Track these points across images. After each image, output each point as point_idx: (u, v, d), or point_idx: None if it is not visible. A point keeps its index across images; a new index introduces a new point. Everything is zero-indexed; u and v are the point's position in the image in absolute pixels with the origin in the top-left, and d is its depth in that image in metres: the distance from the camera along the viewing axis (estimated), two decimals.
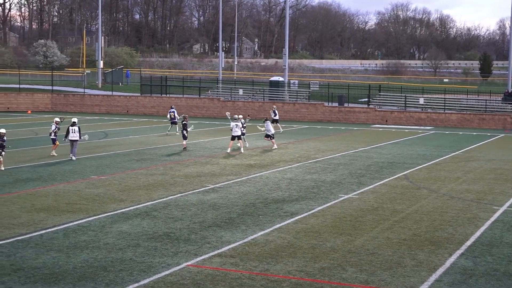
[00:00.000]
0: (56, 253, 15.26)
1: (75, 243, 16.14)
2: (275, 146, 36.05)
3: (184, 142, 34.92)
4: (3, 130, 27.84)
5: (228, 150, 34.00)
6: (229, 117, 37.70)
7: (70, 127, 30.55)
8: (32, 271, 13.95)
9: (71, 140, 30.53)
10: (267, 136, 36.32)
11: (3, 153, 27.30)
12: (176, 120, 44.17)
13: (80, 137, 30.68)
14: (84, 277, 13.58)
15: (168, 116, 44.76)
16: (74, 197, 21.81)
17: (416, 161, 32.15)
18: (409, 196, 23.03)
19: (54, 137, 31.52)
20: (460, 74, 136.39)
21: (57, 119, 32.33)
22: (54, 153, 31.63)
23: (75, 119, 31.05)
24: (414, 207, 21.06)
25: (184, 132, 34.71)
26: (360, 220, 19.17)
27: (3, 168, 27.27)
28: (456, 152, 36.07)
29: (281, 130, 46.10)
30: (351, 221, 19.02)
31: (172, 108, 45.33)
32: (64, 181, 24.83)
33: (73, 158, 30.37)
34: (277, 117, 46.63)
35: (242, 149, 34.40)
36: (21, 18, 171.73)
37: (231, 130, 34.44)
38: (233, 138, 34.30)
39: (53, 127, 31.61)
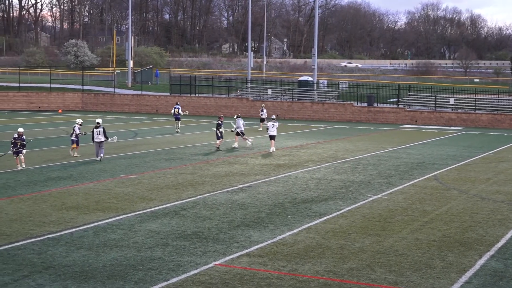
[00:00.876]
0: (86, 251, 15.39)
1: (105, 241, 16.27)
2: (236, 145, 35.92)
3: (218, 141, 35.14)
4: (21, 130, 27.76)
5: (271, 150, 34.36)
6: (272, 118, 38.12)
7: (95, 129, 29.95)
8: (63, 268, 14.09)
9: (97, 142, 30.05)
10: (238, 133, 36.08)
11: (23, 151, 27.22)
12: (179, 116, 45.03)
13: (106, 138, 30.13)
14: (114, 275, 13.69)
15: (172, 111, 45.72)
16: (104, 195, 21.99)
17: (446, 161, 31.90)
18: (439, 197, 22.86)
19: (76, 138, 31.04)
20: (491, 74, 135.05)
21: (81, 120, 32.18)
22: (76, 153, 31.29)
23: (99, 120, 30.64)
24: (444, 208, 20.91)
25: (218, 132, 34.93)
26: (389, 220, 19.08)
27: (22, 167, 27.22)
28: (487, 153, 35.73)
29: (261, 128, 45.83)
30: (380, 221, 18.93)
31: (177, 105, 46.17)
32: (94, 180, 25.04)
33: (98, 159, 29.90)
34: (263, 116, 47.30)
35: (236, 143, 35.82)
36: (53, 18, 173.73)
37: (267, 130, 34.84)
38: (271, 138, 34.58)
39: (77, 129, 31.03)
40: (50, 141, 37.85)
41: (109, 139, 30.63)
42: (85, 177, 25.65)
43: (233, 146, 35.77)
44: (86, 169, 27.49)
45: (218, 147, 35.10)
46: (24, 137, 27.62)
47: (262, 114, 47.64)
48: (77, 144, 31.37)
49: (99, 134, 29.84)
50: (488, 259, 15.35)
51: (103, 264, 14.45)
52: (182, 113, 45.50)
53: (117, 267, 14.27)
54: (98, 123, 30.26)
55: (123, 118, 55.77)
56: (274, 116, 36.76)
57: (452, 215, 19.95)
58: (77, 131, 31.06)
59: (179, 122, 45.34)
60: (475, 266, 14.76)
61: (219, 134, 35.02)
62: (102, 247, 15.76)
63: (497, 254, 15.79)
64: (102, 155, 30.19)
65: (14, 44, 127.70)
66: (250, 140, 36.13)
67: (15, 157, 27.33)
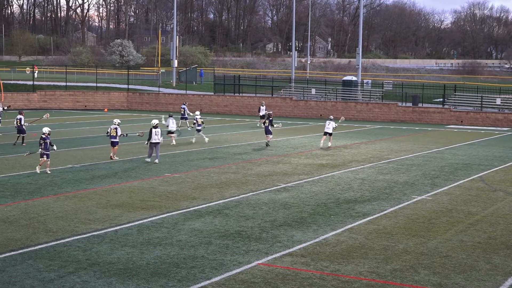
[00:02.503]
0: (130, 248, 15.55)
1: (149, 239, 16.42)
2: (174, 142, 36.27)
3: (270, 136, 36.57)
4: (45, 130, 26.23)
5: (321, 145, 36.12)
6: (341, 120, 39.89)
7: (153, 129, 28.92)
8: (107, 266, 14.26)
9: (152, 143, 29.16)
10: (169, 132, 36.27)
11: (47, 153, 25.73)
12: (186, 116, 46.03)
13: (161, 140, 29.44)
14: (157, 273, 13.81)
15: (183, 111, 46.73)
16: (148, 194, 22.19)
17: (492, 162, 31.45)
18: (485, 198, 22.56)
19: (117, 140, 29.85)
20: None
21: (119, 120, 30.72)
22: (115, 157, 30.10)
23: (156, 121, 29.74)
24: (489, 210, 20.62)
25: (269, 127, 36.49)
26: (434, 222, 18.88)
27: (47, 172, 26.03)
28: None
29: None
30: (424, 222, 18.75)
31: (184, 104, 47.02)
32: (138, 178, 25.29)
33: (149, 160, 29.52)
34: (262, 113, 48.02)
35: (206, 139, 37.24)
36: (99, 18, 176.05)
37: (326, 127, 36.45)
38: (325, 133, 36.27)
39: (119, 131, 29.75)
40: (96, 139, 38.32)
41: (174, 132, 29.57)
42: (129, 175, 25.91)
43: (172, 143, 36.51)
44: (131, 168, 27.76)
45: (268, 143, 36.44)
46: (49, 137, 26.03)
47: (259, 112, 49.29)
48: (114, 146, 29.94)
49: (157, 134, 29.05)
50: None
51: (147, 262, 14.58)
52: (189, 113, 46.72)
53: (160, 265, 14.39)
54: (156, 124, 29.32)
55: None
56: (332, 117, 38.09)
57: (498, 217, 19.66)
58: (119, 132, 29.76)
59: (186, 121, 46.31)
60: None
61: (270, 130, 36.70)
62: (146, 245, 15.91)
63: None
64: (157, 160, 29.25)
65: (61, 44, 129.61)
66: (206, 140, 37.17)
67: (40, 159, 26.05)
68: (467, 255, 15.51)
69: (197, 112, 38.66)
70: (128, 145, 35.59)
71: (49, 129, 26.70)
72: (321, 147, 35.79)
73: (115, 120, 30.48)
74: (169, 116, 37.15)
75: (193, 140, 37.50)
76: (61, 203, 20.45)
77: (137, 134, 32.63)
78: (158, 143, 29.45)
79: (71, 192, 22.25)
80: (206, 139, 37.16)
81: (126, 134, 31.39)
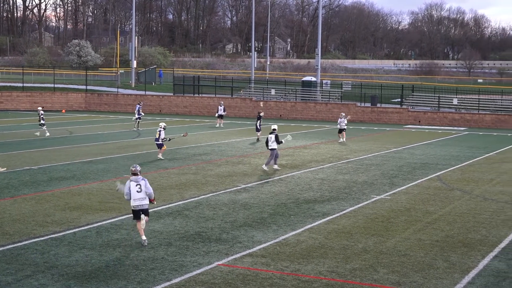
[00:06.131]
0: (89, 251, 15.41)
1: (108, 241, 16.28)
2: (48, 133, 39.35)
3: (258, 133, 39.75)
4: None
5: (339, 140, 39.94)
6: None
7: (269, 135, 28.06)
8: (66, 268, 14.11)
9: (270, 149, 28.18)
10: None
11: None
12: (140, 116, 46.59)
13: (280, 143, 28.26)
14: (116, 275, 13.70)
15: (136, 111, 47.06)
16: (107, 195, 22.01)
17: (449, 162, 31.88)
18: (442, 197, 22.84)
19: (161, 142, 30.83)
20: (495, 74, 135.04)
21: (164, 124, 31.48)
22: (161, 156, 31.00)
23: (274, 126, 28.50)
24: (447, 209, 20.89)
25: (258, 125, 39.63)
26: (392, 221, 19.06)
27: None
28: (490, 153, 35.68)
29: (217, 125, 48.94)
30: (383, 222, 18.92)
31: (138, 105, 47.54)
32: (97, 179, 25.07)
33: (265, 168, 28.09)
34: (222, 113, 50.00)
35: (47, 134, 39.82)
36: (56, 19, 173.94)
37: (339, 124, 40.30)
38: (340, 131, 40.28)
39: (163, 134, 30.74)
40: (54, 141, 37.88)
41: (283, 140, 28.84)
42: (88, 177, 25.67)
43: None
44: (89, 169, 27.50)
45: (258, 139, 39.42)
46: None
47: (217, 112, 50.60)
48: (159, 147, 31.03)
49: (270, 140, 28.05)
50: (491, 259, 15.33)
51: (106, 264, 14.46)
52: (142, 114, 47.84)
53: (119, 267, 14.28)
54: (274, 129, 28.23)
55: (126, 118, 55.74)
56: (344, 114, 41.62)
57: (455, 215, 19.93)
58: (162, 135, 30.80)
59: (139, 121, 46.58)
60: (478, 267, 14.74)
61: (259, 127, 39.73)
62: (105, 247, 15.77)
63: (500, 254, 15.77)
64: (276, 166, 28.22)
65: (18, 44, 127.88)
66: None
67: None
68: (425, 254, 15.68)
69: (40, 108, 42.15)
70: (86, 147, 35.29)
71: None
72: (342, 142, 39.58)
73: (160, 124, 31.50)
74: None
75: (38, 134, 40.34)
76: (18, 206, 20.17)
77: (182, 135, 34.04)
78: (275, 149, 28.12)
79: (29, 194, 21.96)
80: (47, 134, 39.79)
81: (169, 139, 31.83)
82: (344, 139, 40.22)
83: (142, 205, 16.10)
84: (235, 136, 42.78)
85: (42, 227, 17.61)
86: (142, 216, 15.98)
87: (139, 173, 16.15)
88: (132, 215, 16.45)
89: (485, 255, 15.67)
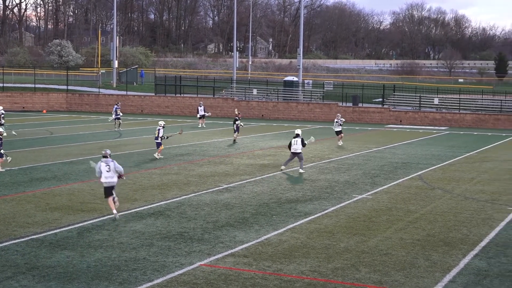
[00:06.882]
0: (70, 252, 15.33)
1: (89, 242, 16.21)
2: (156, 155, 32.52)
3: (235, 134, 38.84)
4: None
5: (339, 143, 38.33)
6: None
7: (293, 139, 27.80)
8: (47, 269, 14.03)
9: (293, 153, 27.90)
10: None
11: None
12: (119, 116, 46.37)
13: (303, 146, 28.04)
14: (98, 276, 13.64)
15: (114, 111, 46.93)
16: (88, 196, 21.90)
17: (431, 161, 32.04)
18: (423, 196, 22.96)
19: (159, 141, 31.06)
20: (475, 74, 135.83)
21: (163, 122, 31.79)
22: (160, 155, 31.22)
23: (299, 131, 28.19)
24: (428, 208, 21.00)
25: (235, 126, 38.81)
26: (374, 220, 19.13)
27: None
28: (471, 153, 35.91)
29: (200, 125, 48.12)
30: (365, 221, 18.98)
31: (116, 105, 47.39)
32: (78, 180, 24.94)
33: (282, 167, 28.22)
34: (201, 114, 49.93)
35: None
36: (37, 18, 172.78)
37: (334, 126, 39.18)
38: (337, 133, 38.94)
39: (161, 132, 30.99)
40: (35, 141, 37.65)
41: (307, 141, 28.75)
42: (69, 177, 25.54)
43: None
44: (71, 170, 27.36)
45: (235, 140, 38.66)
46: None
47: (200, 111, 50.31)
48: (158, 146, 31.28)
49: (296, 144, 27.78)
50: (472, 258, 15.43)
51: (88, 265, 14.40)
52: (121, 114, 47.28)
53: (101, 268, 14.22)
54: (297, 134, 27.98)
55: (108, 118, 55.46)
56: (340, 115, 41.11)
57: (436, 214, 20.03)
58: (161, 134, 31.01)
59: (119, 121, 46.42)
60: (459, 265, 14.83)
61: (235, 128, 38.75)
62: (87, 248, 15.70)
63: (480, 253, 15.88)
64: (302, 170, 27.74)
65: None
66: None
67: None
68: (406, 253, 15.75)
69: (0, 107, 41.28)
70: (68, 148, 35.12)
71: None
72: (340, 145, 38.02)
73: (160, 122, 31.91)
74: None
75: (15, 133, 38.08)
76: None
77: (178, 132, 34.15)
78: (300, 153, 27.86)
79: (9, 195, 21.81)
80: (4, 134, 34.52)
81: (167, 136, 31.98)
82: (341, 142, 38.40)
83: (111, 182, 18.96)
84: (217, 136, 42.75)
85: (23, 228, 17.50)
86: (115, 194, 18.97)
87: (108, 156, 18.96)
88: (103, 193, 19.14)
89: (466, 253, 15.77)
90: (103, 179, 18.92)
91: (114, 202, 18.95)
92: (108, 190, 18.97)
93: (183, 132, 31.79)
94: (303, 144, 28.00)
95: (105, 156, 19.04)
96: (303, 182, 25.44)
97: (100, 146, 34.61)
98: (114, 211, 18.72)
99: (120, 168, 19.06)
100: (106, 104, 64.46)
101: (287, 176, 26.83)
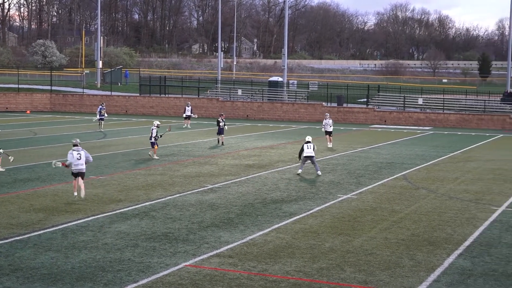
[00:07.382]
0: (55, 253, 15.25)
1: (74, 243, 16.14)
2: (152, 154, 32.66)
3: (222, 136, 38.03)
4: None
5: (328, 145, 37.11)
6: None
7: (305, 144, 27.38)
8: (31, 271, 13.95)
9: (305, 157, 27.42)
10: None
11: None
12: (103, 117, 46.38)
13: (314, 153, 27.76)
14: (83, 277, 13.58)
15: (98, 112, 46.88)
16: (73, 197, 21.79)
17: (415, 161, 32.16)
18: (408, 196, 23.04)
19: (154, 141, 31.10)
20: (459, 74, 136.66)
21: (158, 122, 31.98)
22: (155, 156, 31.22)
23: (309, 138, 27.80)
24: (412, 208, 21.07)
25: (219, 127, 38.23)
26: (359, 220, 19.17)
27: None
28: (455, 153, 36.09)
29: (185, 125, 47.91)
30: (350, 221, 19.02)
31: (102, 105, 47.58)
32: (62, 181, 24.83)
33: (298, 170, 27.83)
34: (188, 114, 49.85)
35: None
36: (20, 18, 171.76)
37: (323, 126, 38.39)
38: (326, 133, 37.91)
39: (155, 132, 31.06)
40: (19, 142, 37.44)
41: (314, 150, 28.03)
42: (53, 178, 25.42)
43: None
44: (55, 171, 27.20)
45: (220, 141, 37.94)
46: None
47: (187, 111, 50.20)
48: (152, 146, 31.34)
49: (309, 148, 27.35)
50: (456, 257, 15.50)
51: (72, 266, 14.33)
52: (106, 115, 47.30)
53: (86, 269, 14.16)
54: (308, 141, 27.60)
55: (92, 119, 55.30)
56: (328, 114, 39.77)
57: (420, 214, 20.11)
58: (154, 133, 31.05)
59: (103, 122, 46.43)
60: (443, 265, 14.89)
61: (221, 130, 38.12)
62: (71, 249, 15.63)
63: (465, 252, 15.95)
64: (318, 172, 27.46)
65: None
66: None
67: None
68: (391, 252, 15.80)
69: None
70: (52, 148, 34.95)
71: None
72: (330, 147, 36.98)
73: (154, 122, 32.19)
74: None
75: None
76: None
77: (166, 130, 34.46)
78: (312, 156, 27.51)
79: None
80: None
81: (161, 135, 32.03)
82: (331, 144, 37.30)
83: (81, 168, 21.22)
84: (202, 136, 42.71)
85: (7, 229, 17.39)
86: (79, 178, 21.17)
87: (78, 145, 21.37)
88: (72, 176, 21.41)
89: (450, 253, 15.84)
90: (74, 167, 21.06)
91: (80, 190, 20.95)
92: (77, 176, 21.23)
93: (171, 129, 31.80)
94: (314, 149, 27.80)
95: (75, 145, 21.36)
96: (288, 182, 25.46)
97: (84, 147, 34.34)
98: (75, 193, 21.14)
99: (90, 158, 21.68)
100: (91, 104, 64.22)
101: (272, 176, 26.84)
